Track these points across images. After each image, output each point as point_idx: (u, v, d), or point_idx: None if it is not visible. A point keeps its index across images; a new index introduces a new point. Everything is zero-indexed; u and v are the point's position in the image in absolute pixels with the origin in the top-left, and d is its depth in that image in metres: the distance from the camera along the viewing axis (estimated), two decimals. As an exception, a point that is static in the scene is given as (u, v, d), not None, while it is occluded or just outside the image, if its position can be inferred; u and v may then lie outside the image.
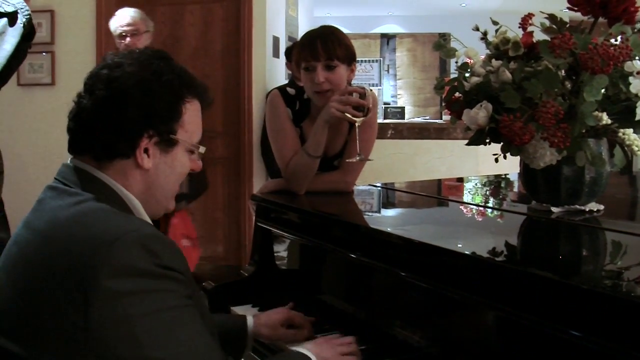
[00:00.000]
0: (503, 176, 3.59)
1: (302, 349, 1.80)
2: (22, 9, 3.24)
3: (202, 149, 1.71)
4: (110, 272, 1.37)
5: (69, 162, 1.62)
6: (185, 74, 1.69)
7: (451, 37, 2.44)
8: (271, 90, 2.94)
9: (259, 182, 5.97)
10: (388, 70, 11.28)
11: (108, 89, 1.56)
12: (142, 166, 1.59)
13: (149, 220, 1.64)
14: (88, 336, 1.36)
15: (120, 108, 1.55)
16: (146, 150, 1.59)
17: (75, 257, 1.40)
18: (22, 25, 3.22)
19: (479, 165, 5.78)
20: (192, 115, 1.67)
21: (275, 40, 6.57)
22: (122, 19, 4.78)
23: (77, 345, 1.37)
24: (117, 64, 1.60)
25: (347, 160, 2.78)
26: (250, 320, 2.12)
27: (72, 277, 1.38)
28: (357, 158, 2.71)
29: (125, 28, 4.75)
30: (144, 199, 1.64)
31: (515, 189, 3.22)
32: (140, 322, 1.38)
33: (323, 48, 2.68)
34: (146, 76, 1.58)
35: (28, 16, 3.23)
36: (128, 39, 4.73)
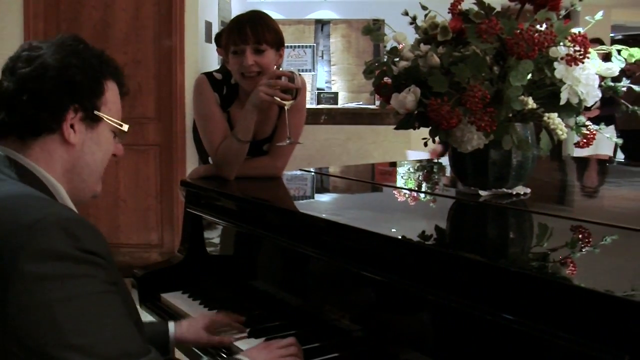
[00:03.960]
0: (435, 161, 3.62)
1: (241, 356, 1.80)
2: None
3: (125, 127, 1.68)
4: (29, 255, 1.33)
5: None
6: (104, 56, 1.67)
7: (384, 23, 2.45)
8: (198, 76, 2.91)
9: (191, 168, 5.90)
10: (322, 56, 11.28)
11: (30, 65, 1.54)
12: (69, 141, 1.56)
13: (72, 206, 1.61)
14: (7, 322, 1.32)
15: (44, 82, 1.53)
16: (72, 126, 1.57)
17: None
18: None
19: (411, 150, 5.82)
20: (113, 95, 1.66)
21: (208, 25, 6.51)
22: None
23: None
24: (36, 47, 1.58)
25: (277, 145, 2.77)
26: (172, 327, 2.10)
27: None
28: (287, 142, 2.70)
29: None
30: (69, 180, 1.60)
31: (448, 174, 3.25)
32: (60, 307, 1.33)
33: (252, 32, 2.67)
34: (67, 54, 1.58)
35: None
36: None
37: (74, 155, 1.60)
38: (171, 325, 2.10)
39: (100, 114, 1.61)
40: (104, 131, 1.64)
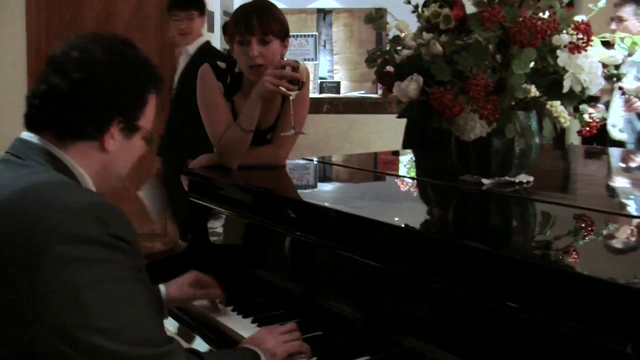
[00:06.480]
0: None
1: (245, 344, 1.80)
2: None
3: (155, 137, 1.75)
4: (59, 238, 1.37)
5: (22, 136, 1.61)
6: (150, 63, 1.72)
7: (387, 11, 2.44)
8: (202, 65, 2.91)
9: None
10: (324, 46, 11.26)
11: (84, 72, 1.56)
12: (106, 149, 1.61)
13: None
14: (34, 302, 1.35)
15: (96, 93, 1.57)
16: (111, 136, 1.61)
17: (25, 222, 1.39)
18: None
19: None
20: (152, 105, 1.70)
21: (210, 14, 6.50)
22: None
23: (22, 312, 1.36)
24: (87, 48, 1.60)
25: (281, 135, 2.77)
26: (163, 289, 2.13)
27: (21, 242, 1.38)
28: (292, 132, 2.70)
29: None
30: (96, 179, 1.64)
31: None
32: (87, 290, 1.37)
33: (258, 23, 2.66)
34: (121, 64, 1.61)
35: None
36: None
37: (107, 160, 1.64)
38: (162, 288, 2.14)
39: (140, 124, 1.66)
40: (137, 139, 1.68)
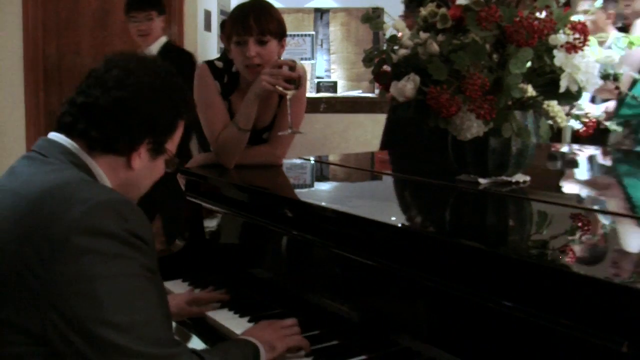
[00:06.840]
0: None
1: (246, 336, 1.80)
2: None
3: (176, 161, 1.78)
4: (80, 229, 1.40)
5: (50, 136, 1.63)
6: (185, 91, 1.77)
7: (384, 11, 2.44)
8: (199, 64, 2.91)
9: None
10: (322, 45, 11.23)
11: (125, 91, 1.61)
12: (132, 167, 1.65)
13: None
14: (49, 291, 1.38)
15: (133, 113, 1.61)
16: (139, 154, 1.65)
17: (47, 213, 1.43)
18: None
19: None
20: (179, 131, 1.74)
21: (207, 14, 6.50)
22: None
23: (37, 298, 1.39)
24: (130, 68, 1.65)
25: (278, 134, 2.77)
26: None
27: (41, 232, 1.41)
28: (289, 131, 2.70)
29: None
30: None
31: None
32: (102, 283, 1.40)
33: (255, 23, 2.66)
34: (160, 89, 1.67)
35: None
36: None
37: (129, 177, 1.68)
38: None
39: (166, 147, 1.71)
40: (160, 161, 1.72)
